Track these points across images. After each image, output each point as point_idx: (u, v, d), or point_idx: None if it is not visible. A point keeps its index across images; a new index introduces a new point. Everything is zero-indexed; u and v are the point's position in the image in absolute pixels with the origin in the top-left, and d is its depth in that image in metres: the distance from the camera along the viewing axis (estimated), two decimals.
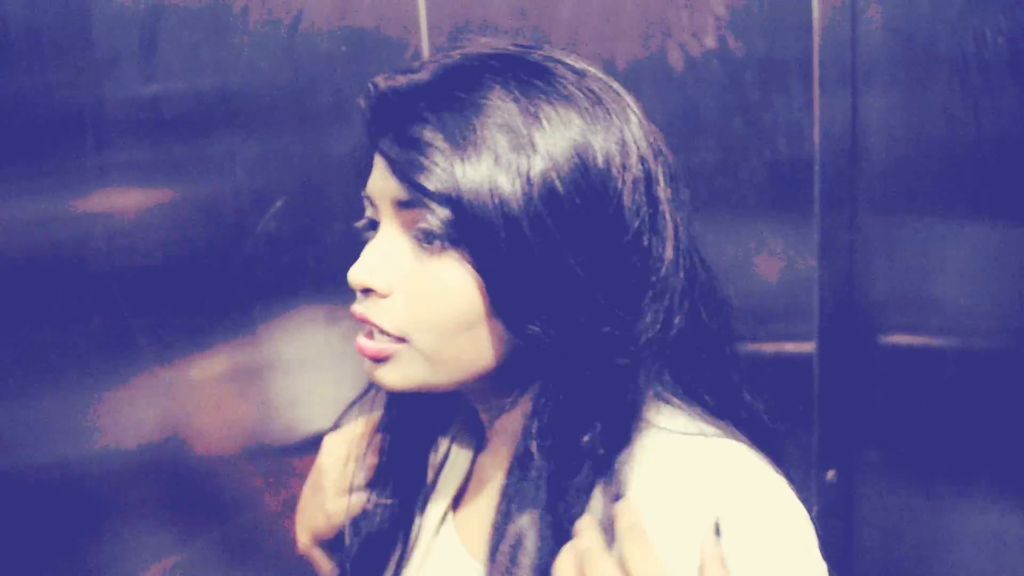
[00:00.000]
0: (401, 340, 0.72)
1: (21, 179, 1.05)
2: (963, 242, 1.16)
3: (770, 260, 1.24)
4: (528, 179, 0.68)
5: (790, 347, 1.26)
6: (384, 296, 0.72)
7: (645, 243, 0.72)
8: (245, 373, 1.20)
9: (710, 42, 1.17)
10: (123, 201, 1.10)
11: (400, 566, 0.85)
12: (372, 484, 0.88)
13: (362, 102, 0.75)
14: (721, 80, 1.18)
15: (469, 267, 0.70)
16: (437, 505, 0.86)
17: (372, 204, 0.75)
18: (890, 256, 1.22)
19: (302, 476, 1.21)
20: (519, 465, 0.74)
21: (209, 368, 1.18)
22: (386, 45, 1.14)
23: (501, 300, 0.69)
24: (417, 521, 0.86)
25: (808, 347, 1.25)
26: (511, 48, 0.74)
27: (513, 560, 0.72)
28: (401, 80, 0.73)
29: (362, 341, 0.73)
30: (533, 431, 0.73)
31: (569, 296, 0.69)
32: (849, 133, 1.20)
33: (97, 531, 1.14)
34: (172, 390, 1.16)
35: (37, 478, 1.10)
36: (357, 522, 0.88)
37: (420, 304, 0.71)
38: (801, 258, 1.23)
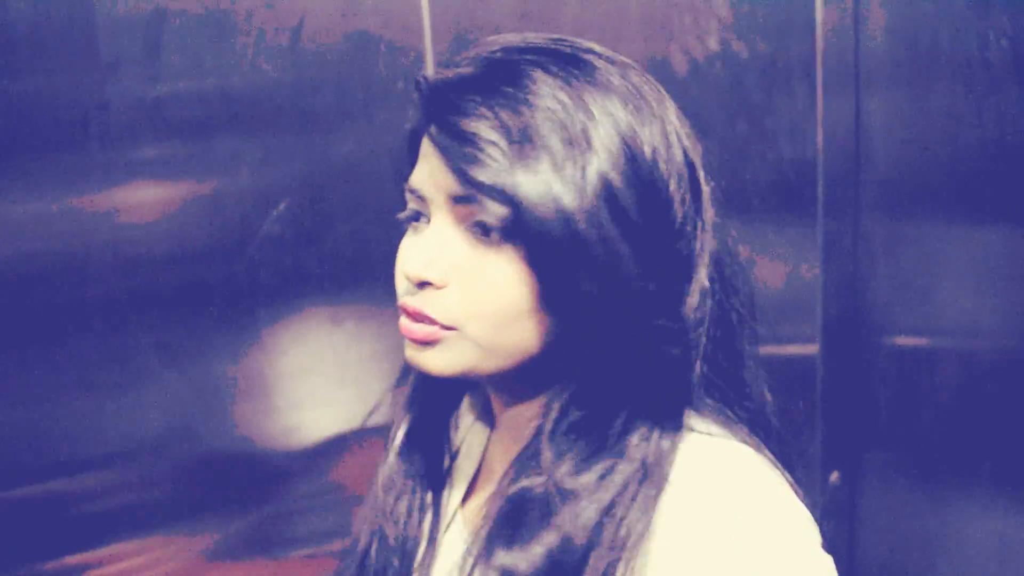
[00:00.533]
0: (451, 328, 0.72)
1: (25, 181, 1.05)
2: (966, 244, 1.16)
3: (773, 262, 1.24)
4: (584, 175, 0.68)
5: (793, 349, 1.26)
6: (440, 288, 0.72)
7: (690, 231, 0.72)
8: (248, 375, 1.20)
9: (713, 45, 1.17)
10: (127, 203, 1.10)
11: (410, 562, 0.86)
12: (392, 477, 0.89)
13: (415, 95, 0.74)
14: (724, 83, 1.18)
15: (523, 262, 0.70)
16: (449, 500, 0.87)
17: (419, 198, 0.74)
18: (893, 258, 1.22)
19: (304, 480, 1.22)
20: (528, 454, 0.74)
21: (212, 370, 1.18)
22: (389, 48, 1.14)
23: (553, 295, 0.70)
24: (428, 515, 0.87)
25: (811, 349, 1.25)
26: (544, 41, 0.74)
27: (500, 535, 0.72)
28: (449, 74, 0.72)
29: (408, 324, 0.73)
30: (551, 425, 0.73)
31: (621, 288, 0.70)
32: (852, 136, 1.20)
33: (101, 533, 1.15)
34: (175, 392, 1.16)
35: (38, 479, 1.11)
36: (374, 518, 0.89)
37: (475, 295, 0.71)
38: (804, 260, 1.23)
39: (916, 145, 1.17)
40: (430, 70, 1.15)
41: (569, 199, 0.68)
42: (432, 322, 0.72)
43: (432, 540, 0.86)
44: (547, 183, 0.68)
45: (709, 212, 0.74)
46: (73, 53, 1.05)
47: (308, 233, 1.18)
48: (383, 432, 1.01)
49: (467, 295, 0.71)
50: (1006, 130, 1.10)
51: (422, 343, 0.73)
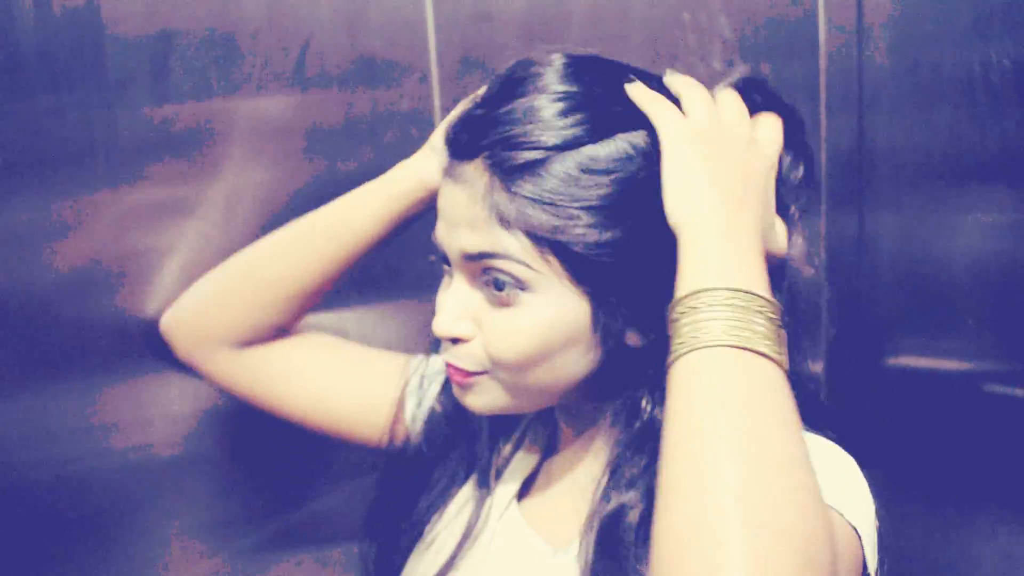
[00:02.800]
0: (480, 373, 0.78)
1: (33, 200, 1.06)
2: (970, 264, 1.16)
3: None
4: (600, 197, 0.71)
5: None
6: (468, 341, 0.77)
7: None
8: None
9: (717, 66, 1.17)
10: (134, 223, 1.11)
11: (461, 548, 0.87)
12: (435, 463, 0.93)
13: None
14: None
15: (538, 312, 0.73)
16: (502, 493, 0.88)
17: (441, 250, 0.78)
18: (898, 276, 1.23)
19: (307, 488, 1.22)
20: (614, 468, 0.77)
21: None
22: (395, 69, 1.15)
23: (607, 320, 0.73)
24: (487, 503, 0.88)
25: (815, 368, 1.25)
26: (545, 64, 0.78)
27: (609, 538, 0.74)
28: (468, 120, 0.75)
29: (451, 370, 0.79)
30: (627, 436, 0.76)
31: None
32: (855, 156, 1.20)
33: (105, 534, 1.15)
34: (182, 406, 1.17)
35: (53, 484, 1.11)
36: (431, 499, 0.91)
37: (497, 346, 0.75)
38: (808, 279, 1.23)
39: (919, 165, 1.17)
40: (436, 90, 1.16)
41: (558, 234, 0.71)
42: (465, 372, 0.78)
43: (471, 525, 0.87)
44: (563, 218, 0.71)
45: None
46: (81, 73, 1.06)
47: None
48: None
49: (490, 346, 0.76)
50: (1009, 150, 1.11)
51: (461, 386, 0.79)
